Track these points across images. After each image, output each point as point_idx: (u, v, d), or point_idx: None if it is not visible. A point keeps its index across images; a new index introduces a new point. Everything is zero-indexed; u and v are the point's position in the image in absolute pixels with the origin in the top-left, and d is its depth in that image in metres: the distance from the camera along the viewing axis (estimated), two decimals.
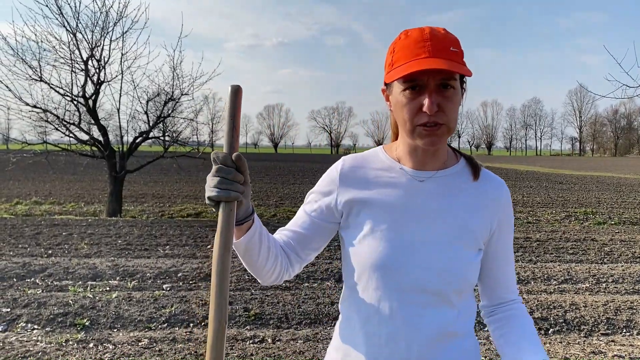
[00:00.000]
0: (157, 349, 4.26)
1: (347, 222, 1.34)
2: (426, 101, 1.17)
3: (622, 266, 7.48)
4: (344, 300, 1.39)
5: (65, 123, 12.10)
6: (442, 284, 1.24)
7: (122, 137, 13.26)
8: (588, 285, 6.45)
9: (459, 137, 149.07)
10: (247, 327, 4.87)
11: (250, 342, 4.50)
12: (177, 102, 13.25)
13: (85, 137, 12.50)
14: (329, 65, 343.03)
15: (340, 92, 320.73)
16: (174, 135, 13.76)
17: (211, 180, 1.11)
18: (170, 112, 13.35)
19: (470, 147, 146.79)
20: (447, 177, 1.32)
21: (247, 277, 6.35)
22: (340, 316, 1.42)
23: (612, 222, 12.02)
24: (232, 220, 1.12)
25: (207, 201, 1.12)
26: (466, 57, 1.25)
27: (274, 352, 4.26)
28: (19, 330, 4.64)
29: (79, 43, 11.80)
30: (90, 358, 4.03)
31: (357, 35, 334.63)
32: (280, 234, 1.38)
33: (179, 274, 6.44)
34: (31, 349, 4.16)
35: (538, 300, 5.65)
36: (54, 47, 11.61)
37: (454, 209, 1.29)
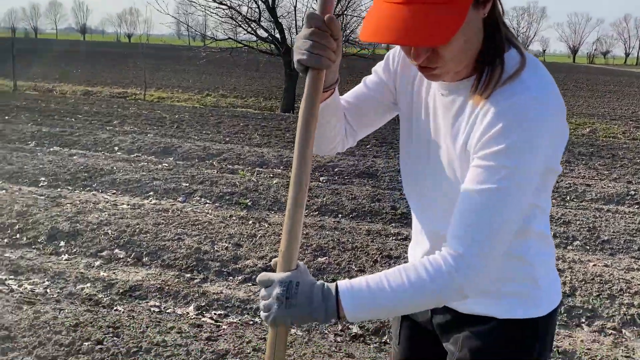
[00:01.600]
0: (303, 233, 4.60)
1: (400, 110, 1.30)
2: (412, 52, 1.03)
3: None
4: None
5: (247, 19, 12.80)
6: (449, 201, 1.13)
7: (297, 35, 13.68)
8: None
9: None
10: (393, 224, 4.98)
11: (393, 238, 4.62)
12: None
13: (264, 34, 13.15)
14: None
15: None
16: (347, 34, 13.77)
17: (303, 42, 1.07)
18: (343, 10, 13.32)
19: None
20: (462, 89, 1.10)
21: (399, 178, 6.39)
22: None
23: None
24: (320, 87, 1.09)
25: (295, 65, 1.09)
26: None
27: None
28: (194, 202, 5.32)
29: None
30: (247, 231, 4.50)
31: None
32: None
33: (336, 169, 6.72)
34: (201, 219, 4.77)
35: None
36: None
37: (454, 130, 1.12)
